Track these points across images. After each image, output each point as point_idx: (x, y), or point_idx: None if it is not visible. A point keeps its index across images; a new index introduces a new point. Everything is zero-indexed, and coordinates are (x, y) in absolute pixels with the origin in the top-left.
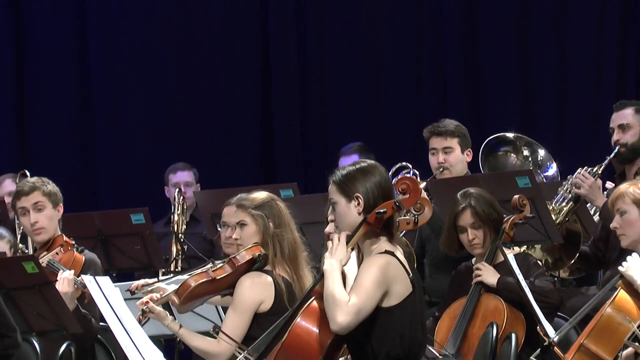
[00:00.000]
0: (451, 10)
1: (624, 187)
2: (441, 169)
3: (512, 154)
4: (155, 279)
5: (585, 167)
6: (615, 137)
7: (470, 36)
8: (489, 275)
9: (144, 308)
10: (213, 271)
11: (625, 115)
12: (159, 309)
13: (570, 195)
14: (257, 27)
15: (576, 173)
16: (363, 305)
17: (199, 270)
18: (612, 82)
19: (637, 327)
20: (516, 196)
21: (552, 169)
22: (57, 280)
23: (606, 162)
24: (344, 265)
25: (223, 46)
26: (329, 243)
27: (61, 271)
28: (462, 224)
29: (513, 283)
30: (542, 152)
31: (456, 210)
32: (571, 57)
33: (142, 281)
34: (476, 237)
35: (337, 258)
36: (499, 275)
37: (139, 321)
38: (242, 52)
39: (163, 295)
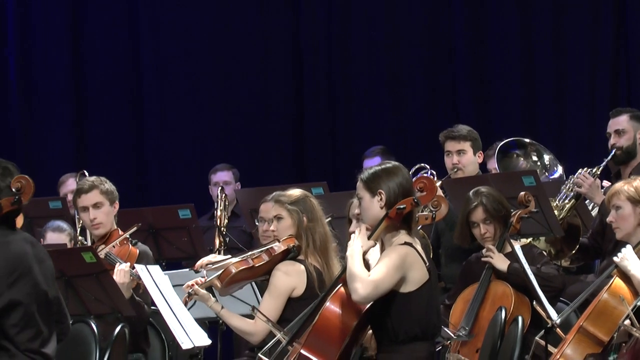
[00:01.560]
0: (462, 30)
1: (619, 185)
2: (455, 170)
3: (522, 158)
4: (223, 257)
5: (585, 168)
6: (612, 141)
7: (479, 52)
8: (499, 261)
9: (190, 291)
10: (252, 259)
11: (620, 121)
12: (203, 291)
13: (571, 193)
14: (291, 41)
15: (577, 173)
16: (381, 282)
17: (239, 258)
18: (606, 92)
19: (631, 310)
20: (522, 193)
21: (558, 172)
22: (113, 271)
23: (604, 163)
24: (365, 252)
25: (259, 59)
26: (352, 235)
27: (118, 263)
28: (474, 219)
29: (521, 269)
30: (547, 157)
31: (469, 207)
32: (569, 70)
33: (206, 259)
34: (487, 232)
35: (358, 244)
36: (509, 262)
37: (185, 302)
38: (277, 66)
39: (207, 280)
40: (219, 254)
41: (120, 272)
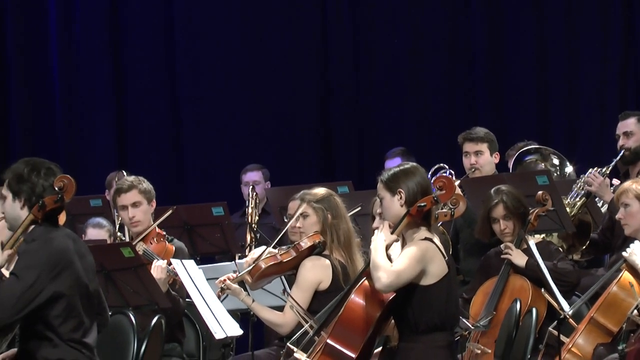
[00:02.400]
0: (480, 40)
1: (627, 184)
2: (473, 169)
3: (541, 162)
4: (267, 248)
5: (596, 168)
6: (620, 142)
7: (496, 60)
8: (518, 257)
9: (222, 285)
10: (280, 255)
11: (628, 124)
12: (235, 285)
13: (582, 192)
14: (319, 47)
15: (588, 173)
16: (403, 272)
17: (269, 254)
18: (615, 97)
19: None
20: (540, 192)
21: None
22: (151, 266)
23: (612, 164)
24: (388, 246)
25: (289, 65)
26: (376, 231)
27: (155, 260)
28: (495, 215)
29: (535, 270)
30: (569, 168)
31: (490, 204)
32: (580, 77)
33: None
34: (507, 227)
35: (381, 238)
36: (527, 258)
37: (219, 296)
38: (306, 72)
39: (238, 275)
40: (250, 249)
41: (158, 269)
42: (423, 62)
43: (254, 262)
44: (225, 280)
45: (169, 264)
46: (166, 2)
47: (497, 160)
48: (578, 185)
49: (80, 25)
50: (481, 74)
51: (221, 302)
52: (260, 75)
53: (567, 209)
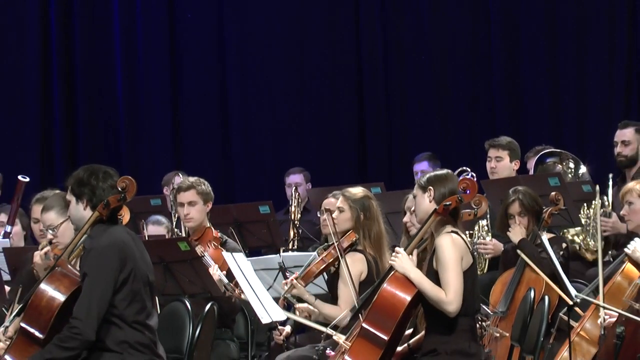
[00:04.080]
0: (498, 52)
1: (632, 184)
2: (492, 173)
3: (559, 164)
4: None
5: (602, 210)
6: (618, 149)
7: (513, 72)
8: (514, 234)
9: (287, 295)
10: (324, 257)
11: (626, 133)
12: (301, 287)
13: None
14: (354, 64)
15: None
16: (458, 286)
17: (318, 260)
18: (620, 107)
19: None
20: (553, 193)
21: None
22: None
23: (610, 197)
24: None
25: (328, 77)
26: (398, 259)
27: (211, 267)
28: (511, 212)
29: (544, 262)
30: (583, 169)
31: (508, 201)
32: (588, 88)
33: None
34: (521, 223)
35: (408, 266)
36: (521, 237)
37: (284, 299)
38: (343, 85)
39: (298, 275)
40: (293, 244)
41: (215, 276)
42: (447, 75)
43: (304, 269)
44: (292, 280)
45: (224, 270)
46: (218, 28)
47: (516, 167)
48: (589, 228)
49: (142, 48)
50: (499, 85)
51: (287, 297)
52: (302, 88)
53: (588, 255)
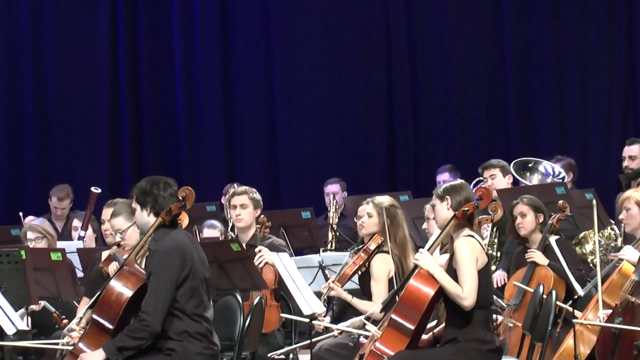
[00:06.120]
0: (512, 78)
1: (630, 192)
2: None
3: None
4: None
5: (615, 244)
6: (625, 163)
7: (525, 94)
8: (539, 259)
9: (327, 294)
10: (355, 260)
11: (633, 149)
12: (339, 288)
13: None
14: (385, 85)
15: (610, 258)
16: (473, 283)
17: (350, 263)
18: (618, 123)
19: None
20: (560, 201)
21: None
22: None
23: (622, 235)
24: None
25: (362, 100)
26: (422, 257)
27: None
28: (515, 213)
29: (556, 265)
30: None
31: (512, 204)
32: (591, 106)
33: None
34: (522, 222)
35: (431, 264)
36: (547, 260)
37: (323, 294)
38: (375, 105)
39: (334, 278)
40: (331, 245)
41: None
42: (466, 96)
43: (339, 272)
44: (331, 283)
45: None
46: (266, 56)
47: (510, 180)
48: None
49: (200, 74)
50: (512, 105)
51: (327, 296)
52: (339, 110)
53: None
